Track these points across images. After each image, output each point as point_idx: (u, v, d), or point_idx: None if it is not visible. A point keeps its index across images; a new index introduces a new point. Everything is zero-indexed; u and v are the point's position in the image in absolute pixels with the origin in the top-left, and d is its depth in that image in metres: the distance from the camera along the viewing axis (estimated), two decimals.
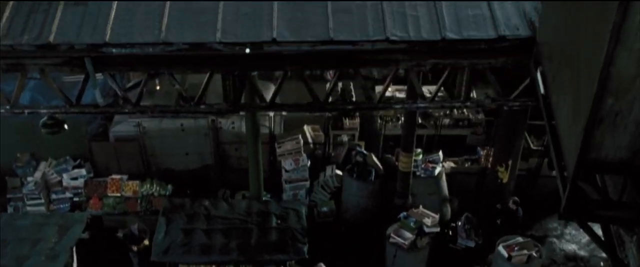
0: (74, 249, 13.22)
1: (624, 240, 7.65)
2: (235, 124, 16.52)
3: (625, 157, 6.35)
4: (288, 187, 16.54)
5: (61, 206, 16.18)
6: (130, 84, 16.46)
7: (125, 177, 16.36)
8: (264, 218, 13.91)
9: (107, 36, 10.01)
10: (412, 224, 14.47)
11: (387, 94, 13.19)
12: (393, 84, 14.00)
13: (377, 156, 16.58)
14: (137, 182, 16.23)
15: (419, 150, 16.16)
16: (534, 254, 13.83)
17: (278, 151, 16.59)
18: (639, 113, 6.04)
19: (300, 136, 16.80)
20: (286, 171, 16.46)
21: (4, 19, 10.25)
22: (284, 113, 17.11)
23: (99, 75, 10.75)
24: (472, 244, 15.41)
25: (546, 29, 8.77)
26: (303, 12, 10.32)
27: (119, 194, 16.10)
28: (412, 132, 15.02)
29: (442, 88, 11.17)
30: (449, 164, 16.97)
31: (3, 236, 13.07)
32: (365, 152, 16.39)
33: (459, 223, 15.60)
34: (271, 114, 16.86)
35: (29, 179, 16.09)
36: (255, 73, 11.50)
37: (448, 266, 15.32)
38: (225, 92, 11.14)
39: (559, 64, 7.83)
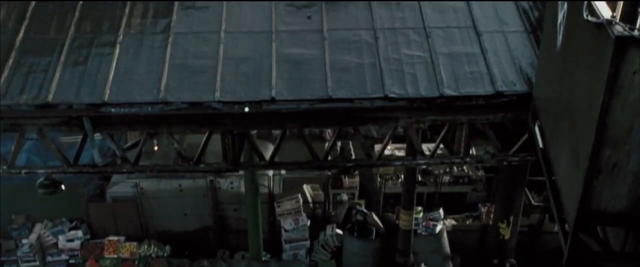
0: None
1: None
2: (234, 184, 16.57)
3: (625, 208, 6.41)
4: (288, 247, 16.47)
5: None
6: (128, 144, 16.57)
7: (122, 238, 16.31)
8: None
9: (106, 96, 10.15)
10: None
11: (387, 152, 13.30)
12: (392, 143, 14.13)
13: (377, 215, 16.57)
14: (135, 243, 16.16)
15: (420, 208, 16.17)
16: None
17: (277, 210, 16.58)
18: (636, 164, 6.13)
19: (299, 196, 16.82)
20: (286, 230, 16.42)
21: (2, 79, 10.40)
22: (283, 172, 17.18)
23: (97, 135, 10.85)
24: None
25: (542, 84, 8.94)
26: (301, 71, 10.52)
27: (116, 256, 16.01)
28: (412, 189, 15.07)
29: (441, 145, 11.28)
30: (450, 222, 16.95)
31: None
32: (365, 210, 16.40)
33: None
34: (270, 173, 16.93)
35: (24, 241, 16.03)
36: (254, 132, 11.62)
37: None
38: (224, 151, 11.24)
39: (556, 118, 7.96)
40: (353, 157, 17.94)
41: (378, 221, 16.17)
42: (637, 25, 5.98)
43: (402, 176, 16.97)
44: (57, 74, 10.51)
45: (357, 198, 17.88)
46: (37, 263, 15.89)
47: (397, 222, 15.88)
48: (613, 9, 6.43)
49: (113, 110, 10.16)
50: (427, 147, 13.27)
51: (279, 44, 10.93)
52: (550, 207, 9.43)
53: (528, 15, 11.22)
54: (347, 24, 11.33)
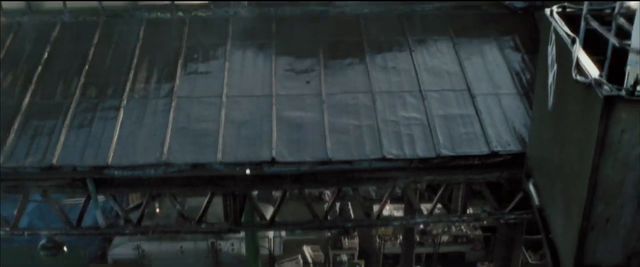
0: None
1: None
2: (234, 246, 16.54)
3: (620, 262, 6.46)
4: None
5: None
6: (131, 206, 16.58)
7: None
8: None
9: (110, 159, 10.27)
10: None
11: (385, 212, 13.34)
12: (391, 203, 14.20)
13: None
14: None
15: None
16: None
17: None
18: (629, 218, 6.23)
19: (300, 257, 16.77)
20: None
21: (8, 142, 10.54)
22: (283, 234, 17.17)
23: (100, 197, 10.92)
24: None
25: (536, 143, 9.10)
26: (301, 133, 10.67)
27: None
28: (411, 249, 15.05)
29: (439, 204, 11.35)
30: None
31: None
32: None
33: None
34: (270, 235, 16.91)
35: None
36: (255, 193, 11.70)
37: None
38: (225, 211, 11.28)
39: (550, 176, 8.09)
40: (352, 217, 17.95)
41: None
42: (624, 85, 6.17)
43: (401, 237, 16.95)
44: (62, 137, 10.65)
45: (357, 258, 17.81)
46: None
47: None
48: (601, 69, 6.64)
49: (116, 172, 10.26)
50: (425, 207, 13.34)
51: (279, 107, 11.13)
52: (547, 265, 9.45)
53: (520, 78, 11.48)
54: (345, 88, 11.55)
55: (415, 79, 11.61)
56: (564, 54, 7.25)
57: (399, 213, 17.15)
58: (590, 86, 6.36)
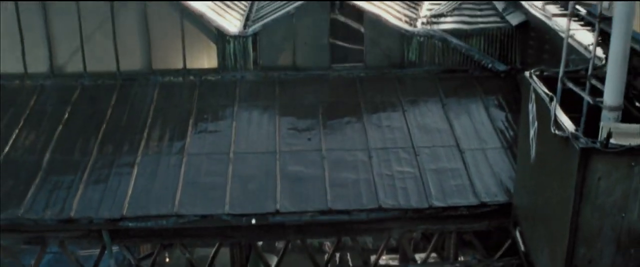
0: None
1: None
2: None
3: None
4: None
5: None
6: (142, 255, 16.60)
7: None
8: None
9: (125, 211, 10.46)
10: None
11: (382, 262, 13.43)
12: (387, 253, 14.30)
13: None
14: None
15: None
16: None
17: None
18: (609, 259, 6.44)
19: None
20: None
21: (28, 195, 10.70)
22: None
23: (114, 247, 11.04)
24: None
25: (521, 193, 9.36)
26: (303, 186, 10.90)
27: None
28: None
29: (432, 253, 11.52)
30: None
31: None
32: None
33: None
34: None
35: None
36: (260, 243, 11.83)
37: None
38: (232, 260, 11.42)
39: (535, 223, 8.32)
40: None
41: None
42: (599, 138, 6.49)
43: None
44: (80, 191, 10.84)
45: None
46: None
47: None
48: (577, 125, 6.97)
49: (130, 224, 10.43)
50: (419, 257, 13.47)
51: (282, 163, 11.39)
52: None
53: (504, 134, 11.83)
54: (343, 145, 11.85)
55: (408, 137, 11.93)
56: (544, 112, 7.60)
57: (394, 262, 17.19)
58: (568, 140, 6.68)
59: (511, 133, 11.78)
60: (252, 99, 13.06)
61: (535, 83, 8.11)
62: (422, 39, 13.60)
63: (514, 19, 13.48)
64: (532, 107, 8.22)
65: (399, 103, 12.83)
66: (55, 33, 13.46)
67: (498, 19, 14.00)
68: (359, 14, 13.63)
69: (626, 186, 6.32)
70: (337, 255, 17.90)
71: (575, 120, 7.11)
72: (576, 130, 6.73)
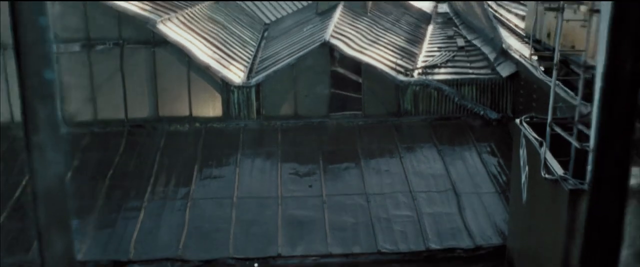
0: None
1: None
2: None
3: None
4: None
5: None
6: None
7: None
8: None
9: (131, 254, 10.51)
10: None
11: None
12: None
13: None
14: None
15: None
16: None
17: None
18: None
19: None
20: None
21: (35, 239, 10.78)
22: None
23: None
24: None
25: (514, 235, 9.47)
26: (304, 231, 11.01)
27: None
28: None
29: None
30: None
31: None
32: None
33: None
34: None
35: None
36: None
37: None
38: None
39: (528, 263, 8.40)
40: None
41: None
42: (587, 180, 6.65)
43: None
44: (87, 235, 10.91)
45: None
46: None
47: None
48: (565, 168, 7.15)
49: (136, 266, 10.47)
50: None
51: (284, 207, 11.51)
52: None
53: (497, 179, 12.00)
54: (343, 190, 12.00)
55: (405, 181, 12.08)
56: (534, 156, 7.79)
57: None
58: (557, 182, 6.85)
59: (504, 178, 11.96)
60: (255, 146, 13.28)
61: (526, 129, 8.32)
62: (417, 88, 13.92)
63: (505, 70, 13.83)
64: (523, 153, 8.41)
65: (396, 149, 13.03)
66: (67, 82, 13.76)
67: (489, 70, 14.36)
68: (357, 65, 13.99)
69: None
70: None
71: (564, 164, 7.28)
72: (565, 173, 6.90)
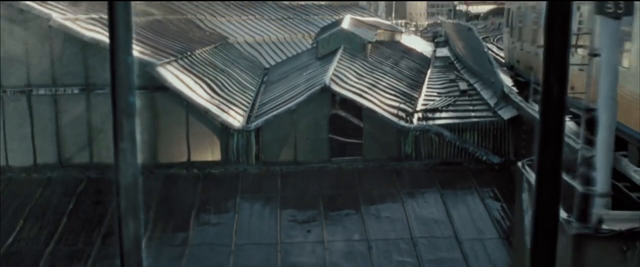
0: None
1: None
2: None
3: None
4: None
5: None
6: None
7: None
8: None
9: None
10: None
11: None
12: None
13: None
14: None
15: None
16: None
17: None
18: None
19: None
20: None
21: None
22: None
23: None
24: None
25: None
26: None
27: None
28: None
29: None
30: None
31: None
32: None
33: None
34: None
35: None
36: None
37: None
38: None
39: None
40: None
41: None
42: (589, 223, 6.66)
43: None
44: None
45: None
46: None
47: None
48: (569, 211, 7.13)
49: None
50: None
51: (284, 254, 11.43)
52: None
53: (501, 224, 11.96)
54: (343, 236, 11.94)
55: (407, 228, 12.03)
56: None
57: None
58: (560, 225, 6.83)
59: (507, 223, 11.91)
60: (254, 191, 13.27)
61: (528, 173, 8.34)
62: (418, 133, 13.99)
63: (506, 114, 13.93)
64: (525, 197, 8.41)
65: (397, 195, 13.02)
66: (63, 124, 13.86)
67: (490, 114, 14.47)
68: (358, 110, 14.09)
69: None
70: None
71: (568, 208, 7.27)
72: (569, 216, 6.89)
